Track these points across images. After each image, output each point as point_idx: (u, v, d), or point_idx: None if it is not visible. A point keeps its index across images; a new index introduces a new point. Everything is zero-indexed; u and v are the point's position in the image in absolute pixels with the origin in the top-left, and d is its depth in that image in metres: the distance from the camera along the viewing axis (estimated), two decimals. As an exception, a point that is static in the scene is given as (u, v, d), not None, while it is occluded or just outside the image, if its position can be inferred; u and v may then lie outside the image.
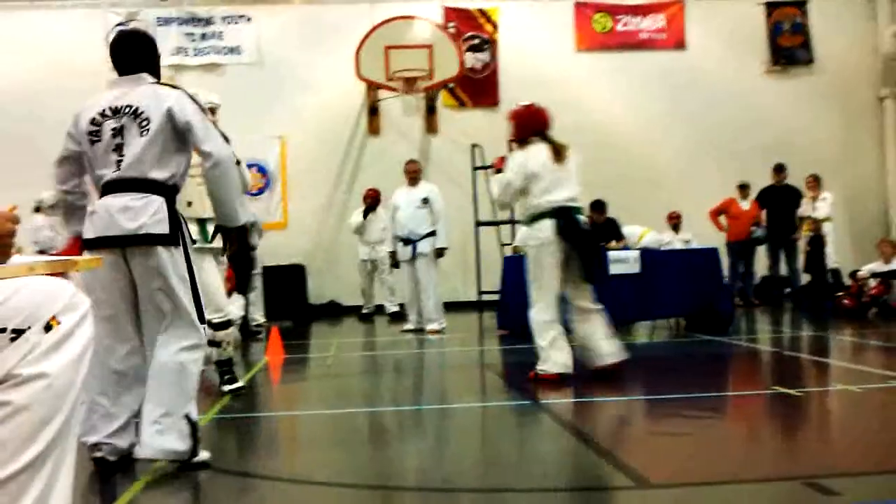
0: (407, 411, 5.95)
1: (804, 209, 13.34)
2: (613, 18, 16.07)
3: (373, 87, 14.57)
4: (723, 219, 13.89)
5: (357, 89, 14.86)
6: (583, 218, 6.41)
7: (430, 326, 10.65)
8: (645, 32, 16.13)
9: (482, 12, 15.85)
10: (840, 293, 11.69)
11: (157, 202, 3.97)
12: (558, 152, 6.35)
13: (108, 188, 4.01)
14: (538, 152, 6.36)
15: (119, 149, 3.99)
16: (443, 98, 15.50)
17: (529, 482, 3.94)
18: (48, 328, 2.48)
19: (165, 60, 15.14)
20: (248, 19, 15.51)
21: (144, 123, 3.96)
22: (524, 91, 15.74)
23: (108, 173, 4.01)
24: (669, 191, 14.91)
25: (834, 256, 13.05)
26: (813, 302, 12.11)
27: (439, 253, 10.77)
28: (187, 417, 3.97)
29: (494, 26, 15.87)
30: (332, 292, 14.80)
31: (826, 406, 5.63)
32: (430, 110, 15.35)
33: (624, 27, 16.10)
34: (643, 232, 10.88)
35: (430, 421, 5.42)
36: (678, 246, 12.90)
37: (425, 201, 10.72)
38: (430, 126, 15.49)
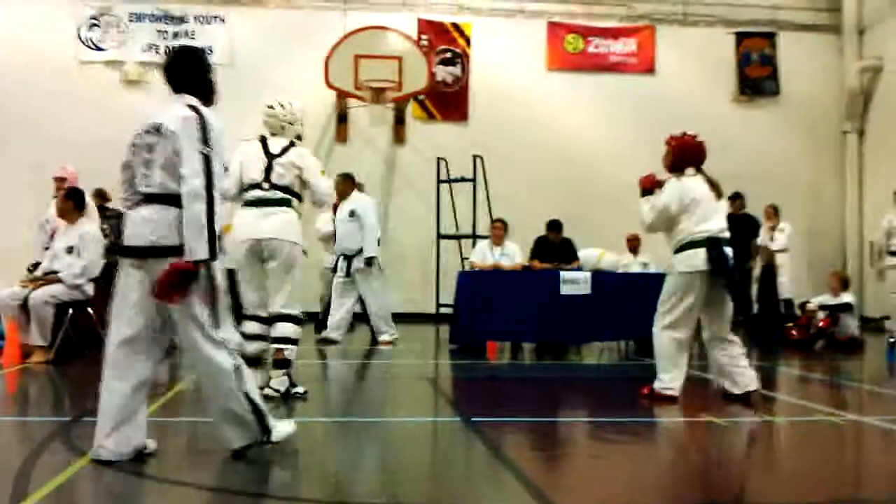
0: (337, 423, 5.97)
1: (762, 239, 13.49)
2: (585, 40, 16.22)
3: (341, 95, 14.60)
4: (680, 244, 13.99)
5: (327, 96, 14.88)
6: (730, 250, 6.51)
7: (381, 338, 10.68)
8: (616, 56, 16.28)
9: (456, 26, 15.94)
10: (789, 324, 11.82)
11: (174, 213, 4.20)
12: (715, 186, 6.53)
13: (141, 201, 4.32)
14: (696, 183, 6.51)
15: (148, 164, 4.29)
16: (412, 109, 15.57)
17: (438, 501, 3.99)
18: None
19: (135, 57, 15.17)
20: (222, 20, 15.51)
21: (167, 139, 4.23)
22: (494, 107, 15.93)
23: (142, 187, 4.32)
24: (632, 213, 14.81)
25: (788, 287, 13.18)
26: (763, 332, 12.23)
27: (368, 262, 10.73)
28: (249, 403, 4.30)
29: (467, 41, 15.96)
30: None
31: (748, 437, 5.70)
32: (399, 121, 15.40)
33: (595, 49, 16.25)
34: (600, 254, 10.92)
35: (357, 434, 5.44)
36: (636, 269, 13.01)
37: (352, 214, 10.69)
38: (398, 136, 15.55)
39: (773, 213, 13.61)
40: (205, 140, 4.23)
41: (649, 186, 6.75)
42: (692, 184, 6.51)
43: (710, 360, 6.77)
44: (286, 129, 6.56)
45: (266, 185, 6.34)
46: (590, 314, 9.89)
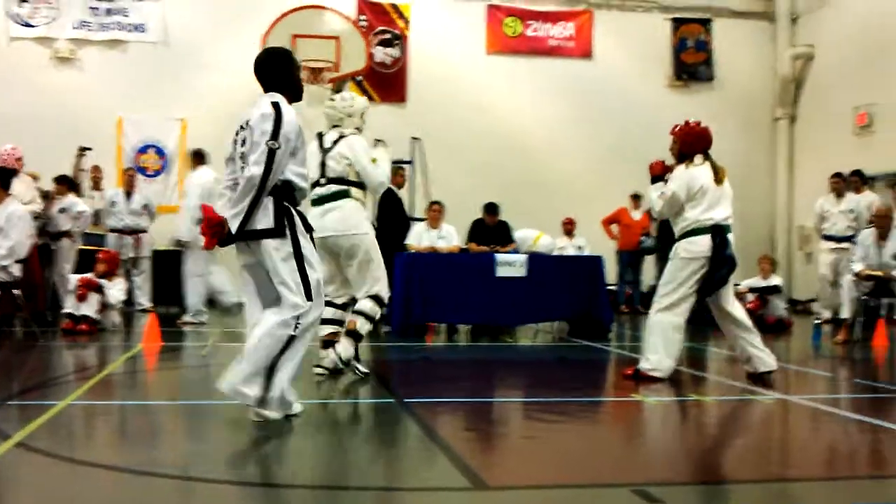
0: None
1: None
2: (524, 23, 16.26)
3: (278, 74, 14.42)
4: (614, 227, 14.16)
5: (263, 76, 14.67)
6: (732, 237, 6.68)
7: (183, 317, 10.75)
8: (554, 39, 16.35)
9: (395, 7, 15.85)
10: (720, 306, 12.00)
11: (264, 200, 4.71)
12: (718, 173, 6.65)
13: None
14: (705, 170, 6.62)
15: (244, 157, 4.78)
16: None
17: (367, 481, 3.99)
18: None
19: (67, 34, 14.80)
20: (156, -3, 15.19)
21: (253, 135, 4.70)
22: (433, 89, 15.88)
23: (239, 178, 4.80)
24: (568, 197, 15.12)
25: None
26: (694, 313, 12.40)
27: (178, 243, 10.89)
28: (268, 372, 4.68)
29: (406, 22, 15.89)
30: (226, 279, 14.60)
31: (676, 415, 5.81)
32: (337, 102, 15.25)
33: (534, 33, 16.30)
34: (537, 236, 11.02)
35: (289, 416, 5.40)
36: (571, 251, 13.12)
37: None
38: (336, 118, 15.40)
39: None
40: (275, 135, 4.65)
41: (660, 172, 6.89)
42: (700, 172, 6.62)
43: (728, 339, 7.01)
44: (344, 121, 6.65)
45: (323, 181, 6.50)
46: (525, 296, 9.97)
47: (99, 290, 9.47)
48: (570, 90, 16.05)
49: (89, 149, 12.87)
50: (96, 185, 13.02)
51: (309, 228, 4.90)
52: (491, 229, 11.31)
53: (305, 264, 4.77)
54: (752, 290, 11.58)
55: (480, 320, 10.35)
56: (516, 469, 4.22)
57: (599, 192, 15.02)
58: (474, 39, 16.15)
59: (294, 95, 4.92)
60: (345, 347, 6.44)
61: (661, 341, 6.62)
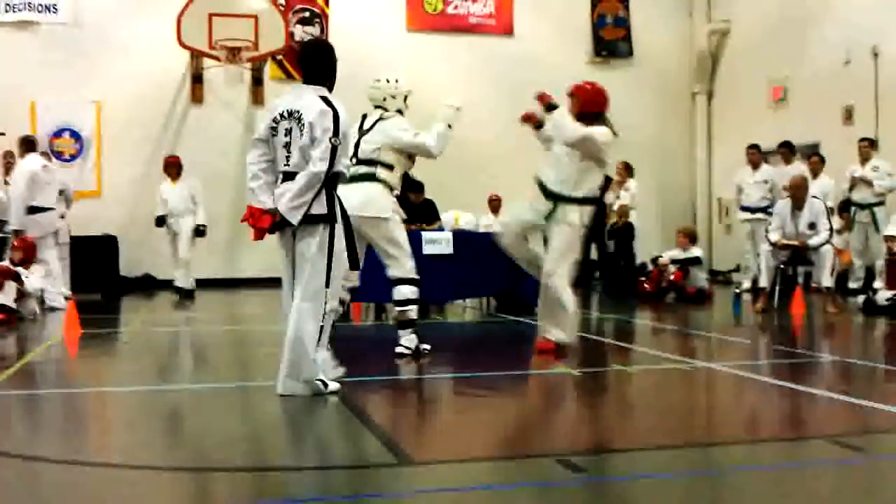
0: (194, 390, 5.86)
1: (609, 197, 13.77)
2: (444, 0, 16.20)
3: (195, 54, 14.17)
4: (540, 204, 14.23)
5: (180, 56, 14.39)
6: None
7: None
8: (474, 17, 16.33)
9: (313, -15, 15.65)
10: (642, 278, 12.24)
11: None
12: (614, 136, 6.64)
13: (282, 178, 5.03)
14: (606, 132, 6.57)
15: (287, 147, 4.98)
16: (270, 70, 15.24)
17: (296, 460, 3.98)
18: None
19: (-27, 15, 14.31)
20: (66, -24, 14.74)
21: (304, 128, 4.91)
22: (354, 68, 15.56)
23: (281, 166, 5.04)
24: (492, 174, 15.16)
25: (636, 243, 13.55)
26: (619, 286, 12.63)
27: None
28: (313, 367, 4.99)
29: (326, 0, 15.71)
30: (148, 265, 14.35)
31: (599, 385, 5.90)
32: (257, 81, 15.06)
33: (454, 10, 16.26)
34: (455, 217, 11.14)
35: (213, 400, 5.36)
36: (498, 228, 13.18)
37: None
38: (257, 97, 15.18)
39: (625, 170, 13.86)
40: (336, 132, 4.88)
41: (550, 101, 6.74)
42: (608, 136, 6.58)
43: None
44: (387, 102, 6.76)
45: (353, 161, 6.53)
46: (452, 273, 9.96)
47: (16, 277, 9.23)
48: (491, 67, 16.05)
49: (1, 133, 12.50)
50: (9, 171, 12.65)
51: (345, 215, 5.13)
52: (416, 207, 11.28)
53: (334, 254, 4.97)
54: (673, 261, 11.80)
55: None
56: (442, 444, 4.26)
57: (523, 169, 15.01)
58: (395, 17, 16.04)
59: (330, 86, 5.16)
60: (408, 339, 6.61)
61: (565, 308, 6.57)
